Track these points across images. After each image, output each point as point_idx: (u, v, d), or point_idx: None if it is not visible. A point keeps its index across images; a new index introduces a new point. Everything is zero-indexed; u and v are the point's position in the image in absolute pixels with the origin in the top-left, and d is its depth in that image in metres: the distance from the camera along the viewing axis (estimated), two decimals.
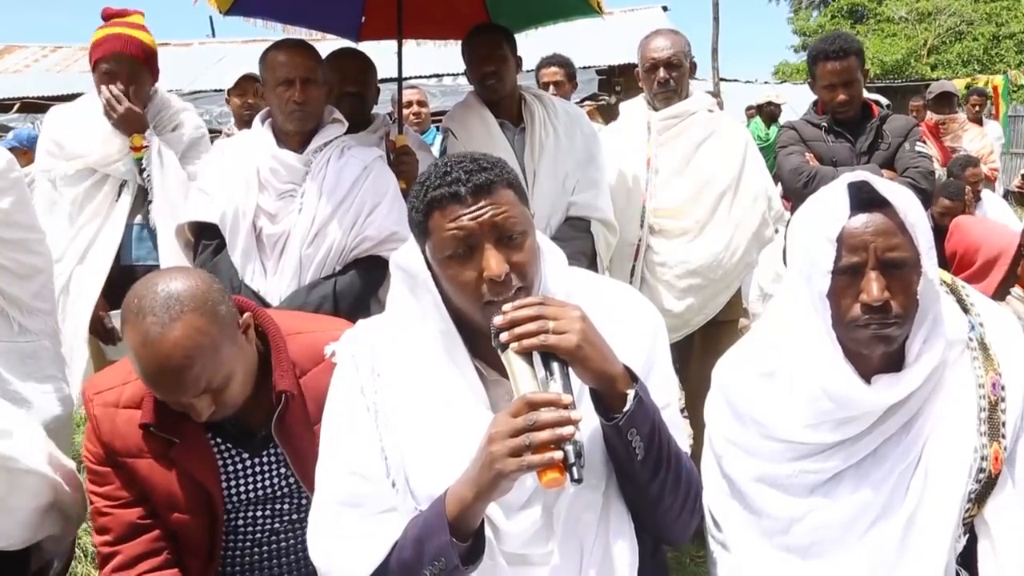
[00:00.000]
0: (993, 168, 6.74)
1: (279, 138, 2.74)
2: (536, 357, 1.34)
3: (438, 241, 1.42)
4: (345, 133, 2.84)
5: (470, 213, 1.40)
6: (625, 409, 1.38)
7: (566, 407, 1.28)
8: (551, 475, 1.25)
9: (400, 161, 3.03)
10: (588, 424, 1.34)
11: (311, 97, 2.68)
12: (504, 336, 1.34)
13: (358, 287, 2.69)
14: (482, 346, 1.47)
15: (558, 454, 1.25)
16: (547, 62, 4.90)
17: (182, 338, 1.59)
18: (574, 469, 1.25)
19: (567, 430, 1.26)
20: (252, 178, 2.68)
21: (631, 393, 1.39)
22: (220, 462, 1.84)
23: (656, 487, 1.45)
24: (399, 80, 3.53)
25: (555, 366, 1.34)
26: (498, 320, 1.36)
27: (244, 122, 4.49)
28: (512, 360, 1.34)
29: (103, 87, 3.05)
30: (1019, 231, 3.65)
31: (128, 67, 3.07)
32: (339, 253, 2.68)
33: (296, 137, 2.72)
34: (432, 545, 1.37)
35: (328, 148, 2.74)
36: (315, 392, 1.78)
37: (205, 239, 2.74)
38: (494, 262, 1.39)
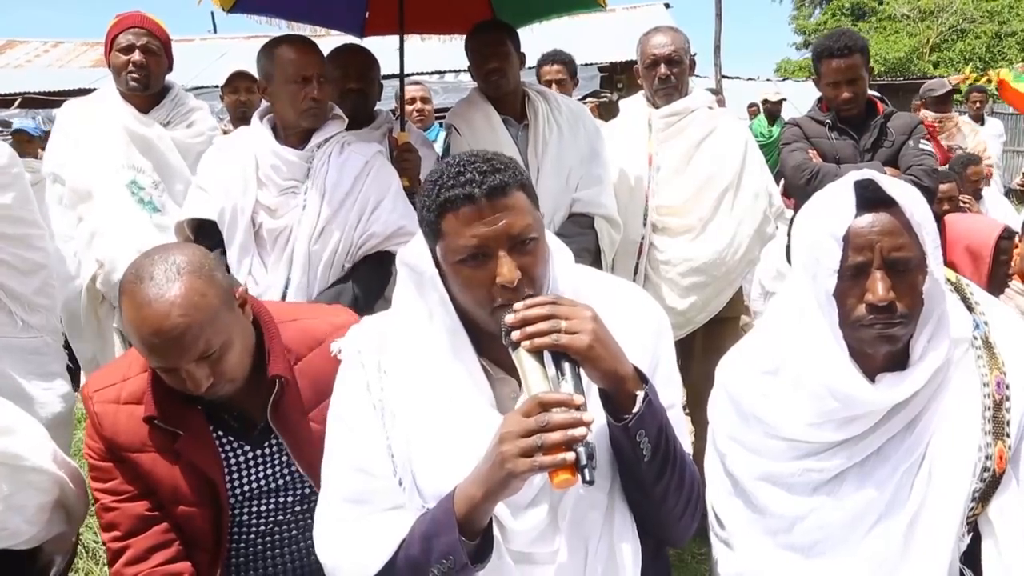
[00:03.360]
0: (988, 165, 6.73)
1: (278, 134, 2.73)
2: (547, 356, 1.34)
3: (451, 245, 1.40)
4: (348, 129, 2.84)
5: (485, 220, 1.38)
6: (635, 410, 1.37)
7: (578, 408, 1.27)
8: (562, 476, 1.25)
9: (403, 158, 3.02)
10: (595, 423, 1.33)
11: (326, 94, 2.68)
12: (516, 335, 1.34)
13: (375, 284, 2.69)
14: (488, 344, 1.47)
15: (570, 455, 1.24)
16: (548, 59, 4.88)
17: (179, 297, 1.61)
18: (586, 471, 1.24)
19: (579, 431, 1.25)
20: (251, 175, 2.67)
21: (640, 394, 1.38)
22: (223, 456, 1.84)
23: (660, 489, 1.45)
24: (401, 76, 3.53)
25: (566, 366, 1.33)
26: (509, 319, 1.35)
27: (238, 118, 4.48)
28: (523, 359, 1.33)
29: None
30: (1001, 225, 3.65)
31: (147, 39, 3.08)
32: (347, 250, 2.68)
33: (297, 134, 2.71)
34: (440, 543, 1.36)
35: (328, 144, 2.72)
36: (310, 378, 1.80)
37: (203, 236, 2.73)
38: (507, 269, 1.38)
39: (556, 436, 1.25)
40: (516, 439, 1.28)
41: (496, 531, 1.43)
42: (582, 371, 1.35)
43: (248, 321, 1.80)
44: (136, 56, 3.06)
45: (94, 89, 3.36)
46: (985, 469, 1.51)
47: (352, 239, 2.68)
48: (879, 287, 1.44)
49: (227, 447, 1.85)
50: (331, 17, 3.66)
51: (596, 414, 1.38)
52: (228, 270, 2.64)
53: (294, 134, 2.72)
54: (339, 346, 1.67)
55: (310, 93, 2.62)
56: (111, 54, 3.11)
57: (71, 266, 3.05)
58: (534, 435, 1.26)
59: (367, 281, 2.69)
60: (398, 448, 1.49)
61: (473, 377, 1.48)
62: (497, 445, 1.31)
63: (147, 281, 1.63)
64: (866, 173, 1.52)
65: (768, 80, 17.53)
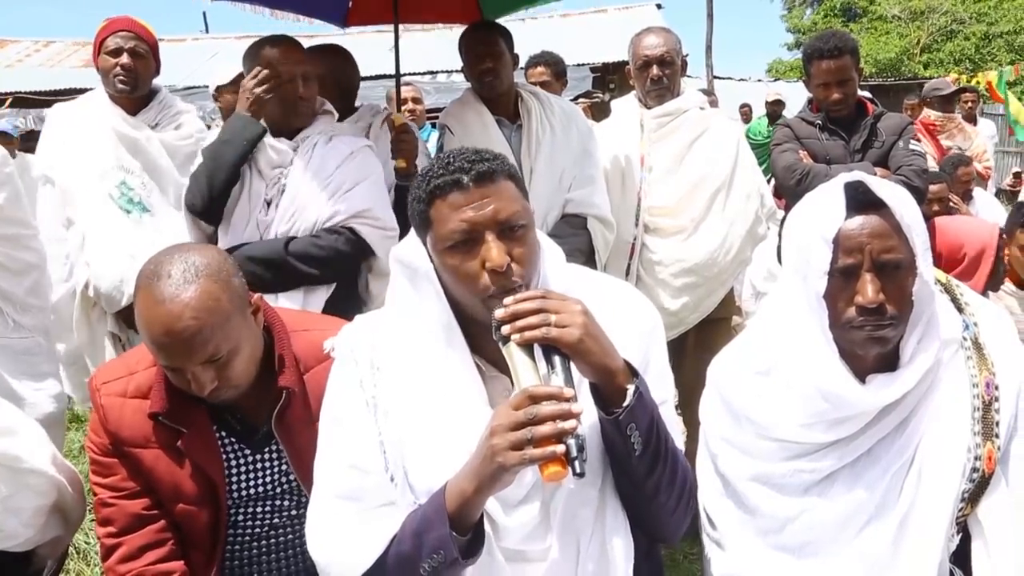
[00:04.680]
0: (987, 166, 6.75)
1: (271, 130, 2.72)
2: (537, 350, 1.34)
3: (440, 231, 1.42)
4: None
5: (473, 203, 1.40)
6: (625, 404, 1.38)
7: (568, 400, 1.28)
8: (553, 468, 1.25)
9: (400, 139, 2.99)
10: (586, 419, 1.34)
11: (312, 92, 2.70)
12: (506, 329, 1.34)
13: (325, 243, 2.63)
14: (481, 342, 1.48)
15: (560, 448, 1.24)
16: (533, 62, 4.89)
17: (194, 299, 1.62)
18: (576, 463, 1.24)
19: (569, 423, 1.25)
20: (247, 169, 2.68)
21: (631, 388, 1.39)
22: (223, 457, 1.84)
23: (652, 483, 1.45)
24: (396, 62, 3.46)
25: (556, 359, 1.33)
26: (499, 312, 1.35)
27: None
28: (513, 353, 1.34)
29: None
30: (997, 224, 3.66)
31: (135, 43, 3.08)
32: (311, 227, 2.65)
33: (287, 132, 2.72)
34: (431, 538, 1.37)
35: (316, 135, 2.73)
36: (317, 390, 1.78)
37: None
38: (495, 252, 1.39)
39: (546, 428, 1.25)
40: (506, 432, 1.28)
41: (488, 528, 1.43)
42: (572, 365, 1.35)
43: (259, 329, 1.81)
44: (124, 59, 3.06)
45: (86, 89, 3.36)
46: (974, 470, 1.52)
47: (318, 215, 2.65)
48: (869, 289, 1.45)
49: (228, 448, 1.85)
50: (314, 6, 3.64)
51: (587, 409, 1.38)
52: None
53: (285, 132, 2.72)
54: (332, 343, 1.67)
55: (295, 92, 2.64)
56: (99, 57, 3.12)
57: (62, 268, 3.04)
58: (524, 428, 1.26)
59: (315, 236, 2.63)
60: (391, 445, 1.49)
61: (466, 374, 1.49)
62: (487, 439, 1.31)
63: (164, 279, 1.63)
64: (856, 175, 1.53)
65: (759, 80, 17.56)
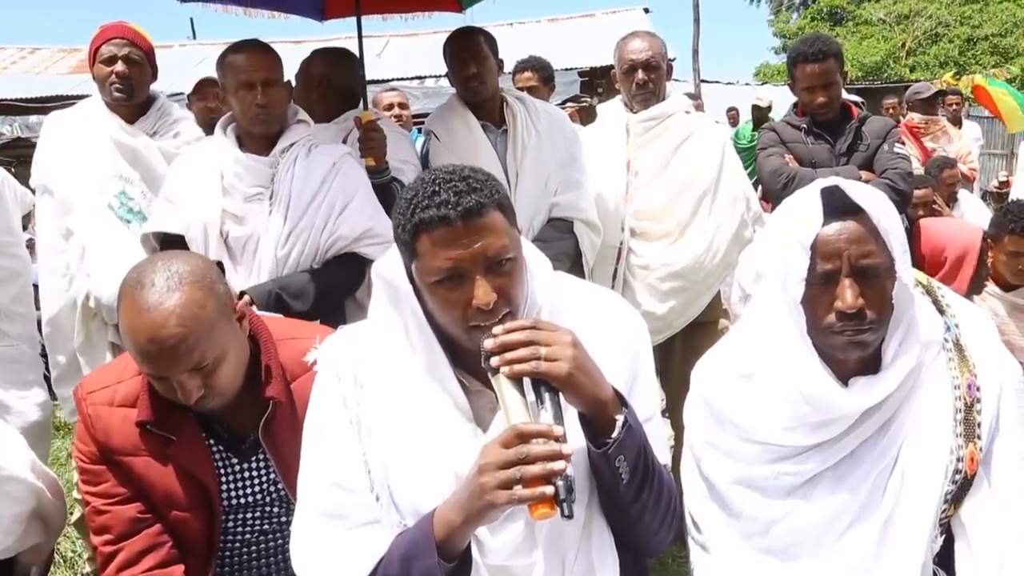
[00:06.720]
0: (972, 167, 6.78)
1: (244, 142, 2.71)
2: (527, 382, 1.32)
3: (426, 266, 1.39)
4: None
5: (460, 243, 1.36)
6: (614, 436, 1.37)
7: (557, 439, 1.26)
8: (542, 509, 1.24)
9: (368, 137, 2.94)
10: (573, 445, 1.32)
11: (274, 99, 2.65)
12: (495, 360, 1.32)
13: (342, 280, 2.67)
14: (464, 357, 1.46)
15: (549, 489, 1.23)
16: (521, 67, 4.89)
17: (178, 307, 1.61)
18: (564, 505, 1.23)
19: (558, 465, 1.24)
20: (216, 185, 2.66)
21: (620, 419, 1.38)
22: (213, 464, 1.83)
23: (638, 508, 1.45)
24: (360, 57, 3.44)
25: (545, 393, 1.32)
26: (489, 343, 1.33)
27: (207, 126, 4.43)
28: (502, 385, 1.32)
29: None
30: (981, 227, 3.68)
31: (129, 50, 3.05)
32: (314, 253, 2.65)
33: (262, 140, 2.70)
34: (419, 566, 1.36)
35: (295, 148, 2.71)
36: (304, 399, 1.76)
37: (169, 247, 2.68)
38: (482, 292, 1.36)
39: (535, 469, 1.24)
40: (495, 471, 1.27)
41: (473, 546, 1.42)
42: (561, 397, 1.34)
43: (245, 336, 1.79)
44: (119, 67, 3.03)
45: (72, 96, 3.33)
46: (956, 471, 1.52)
47: (319, 242, 2.65)
48: (848, 295, 1.46)
49: (216, 457, 1.84)
50: (290, 2, 3.63)
51: (574, 436, 1.37)
52: None
53: (259, 141, 2.70)
54: (315, 356, 1.65)
55: (254, 99, 2.61)
56: (95, 66, 3.08)
57: (62, 280, 3.01)
58: (513, 467, 1.25)
59: (335, 275, 2.67)
60: (375, 464, 1.48)
61: (449, 391, 1.47)
62: (476, 476, 1.30)
63: (148, 288, 1.62)
64: (832, 180, 1.53)
65: (747, 84, 17.63)
